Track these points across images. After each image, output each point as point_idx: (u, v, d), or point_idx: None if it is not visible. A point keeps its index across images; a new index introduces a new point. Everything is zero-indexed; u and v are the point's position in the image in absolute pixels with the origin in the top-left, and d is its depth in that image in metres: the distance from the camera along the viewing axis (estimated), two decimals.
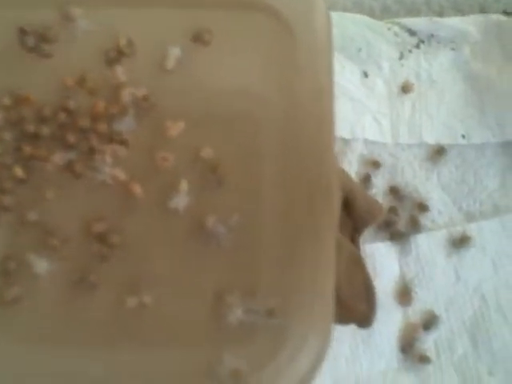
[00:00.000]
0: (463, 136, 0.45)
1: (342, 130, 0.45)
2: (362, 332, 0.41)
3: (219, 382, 0.26)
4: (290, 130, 0.28)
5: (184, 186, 0.27)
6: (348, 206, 0.39)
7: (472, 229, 0.43)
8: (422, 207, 0.43)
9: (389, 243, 0.43)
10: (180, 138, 0.28)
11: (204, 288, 0.27)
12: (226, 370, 0.26)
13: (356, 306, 0.35)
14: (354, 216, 0.40)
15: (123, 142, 0.28)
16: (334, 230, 0.28)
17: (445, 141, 0.45)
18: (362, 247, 0.42)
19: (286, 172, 0.28)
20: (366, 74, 0.46)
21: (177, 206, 0.27)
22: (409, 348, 0.41)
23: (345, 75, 0.46)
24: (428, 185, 0.44)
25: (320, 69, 0.30)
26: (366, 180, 0.44)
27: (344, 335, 0.41)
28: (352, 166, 0.44)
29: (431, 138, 0.45)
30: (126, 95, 0.28)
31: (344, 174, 0.39)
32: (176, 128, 0.28)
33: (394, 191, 0.44)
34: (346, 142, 0.45)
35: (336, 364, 0.41)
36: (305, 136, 0.29)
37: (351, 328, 0.41)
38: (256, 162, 0.28)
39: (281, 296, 0.27)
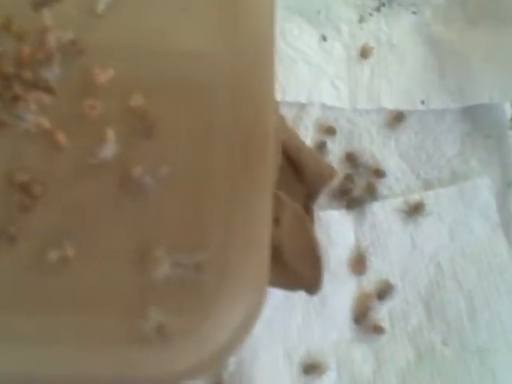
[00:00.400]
0: (422, 102, 0.43)
1: (298, 94, 0.43)
2: (315, 301, 0.40)
3: (145, 338, 0.24)
4: (225, 78, 0.27)
5: (111, 134, 0.26)
6: (298, 170, 0.38)
7: (429, 196, 0.42)
8: (379, 173, 0.42)
9: (344, 211, 0.42)
10: (109, 85, 0.27)
11: (130, 241, 0.25)
12: (151, 326, 0.25)
13: (301, 268, 0.34)
14: (306, 180, 0.38)
15: (49, 90, 0.27)
16: (269, 181, 0.27)
17: (404, 106, 0.43)
18: (316, 215, 0.40)
19: (220, 121, 0.26)
20: (324, 38, 0.44)
21: (103, 156, 0.26)
22: (362, 318, 0.40)
23: (303, 38, 0.44)
24: (385, 152, 0.43)
25: (262, 18, 0.28)
26: (322, 146, 0.43)
27: (296, 304, 0.40)
28: (308, 132, 0.43)
29: (390, 104, 0.43)
30: (52, 39, 0.27)
31: (293, 136, 0.38)
32: (105, 75, 0.27)
33: (350, 158, 0.43)
34: (302, 106, 0.43)
35: (287, 333, 0.39)
36: (242, 85, 0.27)
37: (304, 297, 0.40)
38: (188, 111, 0.27)
39: (211, 250, 0.25)
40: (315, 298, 0.40)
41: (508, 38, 0.43)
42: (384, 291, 0.40)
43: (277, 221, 0.33)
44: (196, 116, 0.27)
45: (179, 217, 0.26)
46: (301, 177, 0.38)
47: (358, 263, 0.41)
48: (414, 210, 0.41)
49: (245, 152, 0.27)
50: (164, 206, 0.26)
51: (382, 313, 0.40)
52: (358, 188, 0.42)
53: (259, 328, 0.39)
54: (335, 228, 0.41)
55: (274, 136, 0.27)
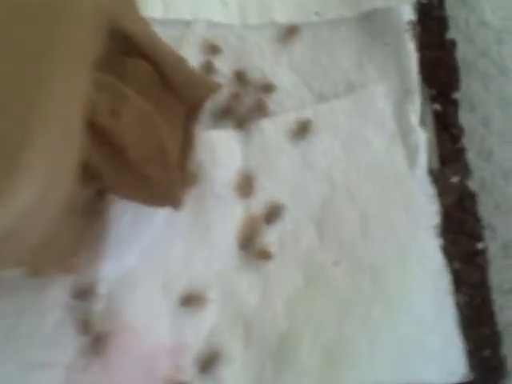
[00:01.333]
0: (317, 13, 0.40)
1: (180, 10, 0.40)
2: (199, 228, 0.37)
3: None
4: None
5: None
6: (173, 87, 0.34)
7: (324, 110, 0.38)
8: (269, 88, 0.39)
9: (231, 131, 0.38)
10: None
11: None
12: None
13: (151, 172, 0.31)
14: (182, 96, 0.35)
15: None
16: (79, 57, 0.24)
17: (297, 19, 0.40)
18: (200, 136, 0.37)
19: None
20: None
21: None
22: (249, 244, 0.36)
23: None
24: (278, 68, 0.40)
25: None
26: (209, 65, 0.40)
27: (179, 232, 0.37)
28: (193, 50, 0.40)
29: (282, 17, 0.40)
30: None
31: (166, 52, 0.35)
32: None
33: (239, 76, 0.40)
34: (185, 24, 0.40)
35: (168, 264, 0.36)
36: None
37: (187, 224, 0.36)
38: None
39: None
40: (199, 224, 0.37)
41: None
42: (273, 213, 0.37)
43: (115, 113, 0.30)
44: None
45: None
46: (178, 94, 0.35)
47: (246, 185, 0.38)
48: (307, 126, 0.38)
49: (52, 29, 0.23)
50: None
51: (271, 237, 0.37)
52: (247, 106, 0.39)
53: (136, 258, 0.36)
54: (220, 149, 0.38)
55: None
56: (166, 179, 0.31)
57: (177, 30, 0.41)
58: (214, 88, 0.35)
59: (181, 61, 0.35)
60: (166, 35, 0.37)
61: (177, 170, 0.33)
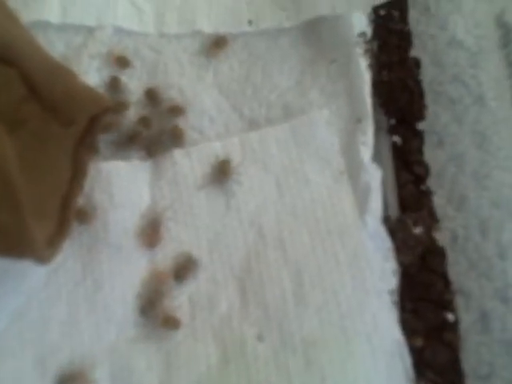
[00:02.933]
0: (250, 22, 0.32)
1: (82, 15, 0.32)
2: (87, 286, 0.28)
3: None
4: None
5: None
6: (42, 99, 0.26)
7: (253, 138, 0.30)
8: (186, 110, 0.30)
9: (137, 162, 0.30)
10: None
11: None
12: None
13: None
14: (57, 114, 0.27)
15: None
16: None
17: (226, 29, 0.33)
18: (94, 166, 0.29)
19: None
20: None
21: None
22: (151, 307, 0.28)
23: None
24: (200, 86, 0.32)
25: None
26: (115, 82, 0.32)
27: (61, 291, 0.28)
28: (95, 62, 0.32)
29: (208, 26, 0.33)
30: None
31: (39, 59, 0.27)
32: None
33: (150, 95, 0.32)
34: (89, 30, 0.32)
35: (44, 332, 0.27)
36: None
37: (72, 281, 0.28)
38: None
39: None
40: (88, 281, 0.28)
41: None
42: (184, 269, 0.29)
43: None
44: None
45: None
46: (55, 112, 0.27)
47: (151, 231, 0.29)
48: (226, 161, 0.30)
49: None
50: None
51: (179, 299, 0.28)
52: (158, 132, 0.30)
53: (3, 322, 0.27)
54: (120, 184, 0.29)
55: None
56: (11, 222, 0.22)
57: (78, 37, 0.32)
58: (102, 104, 0.27)
59: (60, 72, 0.27)
60: (64, 43, 0.32)
61: (40, 210, 0.24)
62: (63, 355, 0.28)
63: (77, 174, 0.30)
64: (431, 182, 0.31)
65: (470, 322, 0.29)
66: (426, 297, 0.30)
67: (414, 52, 0.34)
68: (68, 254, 0.29)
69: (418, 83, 0.33)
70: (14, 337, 0.28)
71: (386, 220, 0.30)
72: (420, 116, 0.32)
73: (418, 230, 0.30)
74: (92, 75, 0.32)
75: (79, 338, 0.29)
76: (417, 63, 0.33)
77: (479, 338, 0.29)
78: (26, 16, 0.31)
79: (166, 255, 0.30)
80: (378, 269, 0.29)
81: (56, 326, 0.29)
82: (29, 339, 0.29)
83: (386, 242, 0.29)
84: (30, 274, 0.29)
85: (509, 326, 0.27)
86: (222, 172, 0.31)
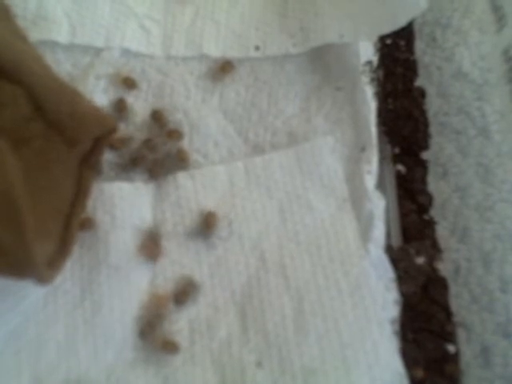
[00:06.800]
0: (257, 47, 0.32)
1: (91, 35, 0.32)
2: (86, 307, 0.27)
3: None
4: None
5: None
6: (48, 118, 0.26)
7: (257, 163, 0.30)
8: (190, 133, 0.30)
9: (140, 184, 0.30)
10: None
11: None
12: None
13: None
14: (63, 133, 0.27)
15: None
16: None
17: (233, 53, 0.33)
18: (98, 187, 0.29)
19: None
20: None
21: None
22: (151, 331, 0.28)
23: None
24: (205, 109, 0.32)
25: None
26: (120, 103, 0.32)
27: (58, 312, 0.27)
28: (101, 83, 0.32)
29: (215, 50, 0.33)
30: None
31: (47, 79, 0.27)
32: None
33: (155, 117, 0.32)
34: (96, 51, 0.32)
35: (41, 353, 0.27)
36: None
37: (69, 303, 0.27)
38: None
39: None
40: (87, 302, 0.28)
41: None
42: (185, 292, 0.29)
43: None
44: None
45: None
46: (61, 131, 0.27)
47: (152, 244, 0.29)
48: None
49: None
50: None
51: (179, 323, 0.28)
52: (162, 154, 0.30)
53: (0, 343, 0.26)
54: (123, 205, 0.29)
55: None
56: (14, 242, 0.22)
57: (85, 58, 0.32)
58: (108, 125, 0.27)
59: (66, 91, 0.27)
60: (71, 63, 0.32)
61: (42, 229, 0.24)
62: (60, 376, 0.28)
63: (80, 194, 0.29)
64: (435, 213, 0.31)
65: (471, 356, 0.29)
66: (427, 327, 0.29)
67: (420, 82, 0.33)
68: (67, 274, 0.29)
69: (423, 113, 0.33)
70: (10, 356, 0.28)
71: (388, 249, 0.30)
72: (424, 145, 0.32)
73: (420, 260, 0.30)
74: (98, 96, 0.32)
75: (76, 359, 0.28)
76: (422, 93, 0.33)
77: (480, 372, 0.28)
78: (35, 35, 0.31)
79: (166, 278, 0.30)
80: (380, 298, 0.28)
81: (53, 347, 0.28)
82: (26, 359, 0.28)
83: (388, 272, 0.29)
84: (29, 294, 0.29)
85: (510, 362, 0.27)
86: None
